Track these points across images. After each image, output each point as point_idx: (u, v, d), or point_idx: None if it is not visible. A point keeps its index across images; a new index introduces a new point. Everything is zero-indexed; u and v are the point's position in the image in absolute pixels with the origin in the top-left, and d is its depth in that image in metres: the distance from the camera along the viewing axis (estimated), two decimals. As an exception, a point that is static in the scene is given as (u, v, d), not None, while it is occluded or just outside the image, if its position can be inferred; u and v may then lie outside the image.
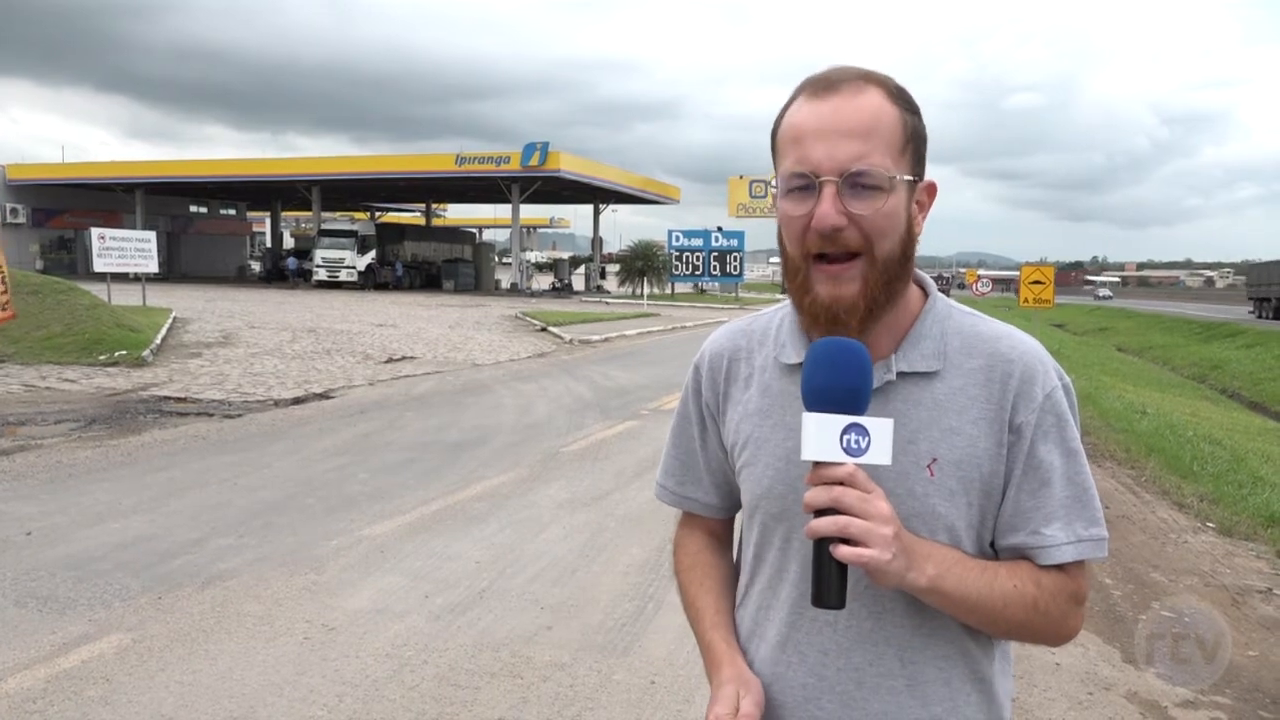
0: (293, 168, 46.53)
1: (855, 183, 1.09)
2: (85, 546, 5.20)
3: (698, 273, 47.50)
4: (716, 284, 50.43)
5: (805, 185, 1.11)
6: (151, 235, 22.80)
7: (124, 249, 21.57)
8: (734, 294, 49.96)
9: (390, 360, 15.01)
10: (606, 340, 20.31)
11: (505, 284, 48.95)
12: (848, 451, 1.05)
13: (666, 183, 55.64)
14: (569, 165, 41.24)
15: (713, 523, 1.42)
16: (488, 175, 42.13)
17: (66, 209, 48.87)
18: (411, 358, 15.50)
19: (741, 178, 60.94)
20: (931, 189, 1.19)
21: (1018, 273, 22.66)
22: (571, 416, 10.09)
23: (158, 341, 15.13)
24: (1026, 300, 19.92)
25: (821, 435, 1.05)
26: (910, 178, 1.14)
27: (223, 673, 3.68)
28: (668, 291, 47.65)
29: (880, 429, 1.06)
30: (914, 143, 1.15)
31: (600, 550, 5.35)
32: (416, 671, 3.73)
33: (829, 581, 1.06)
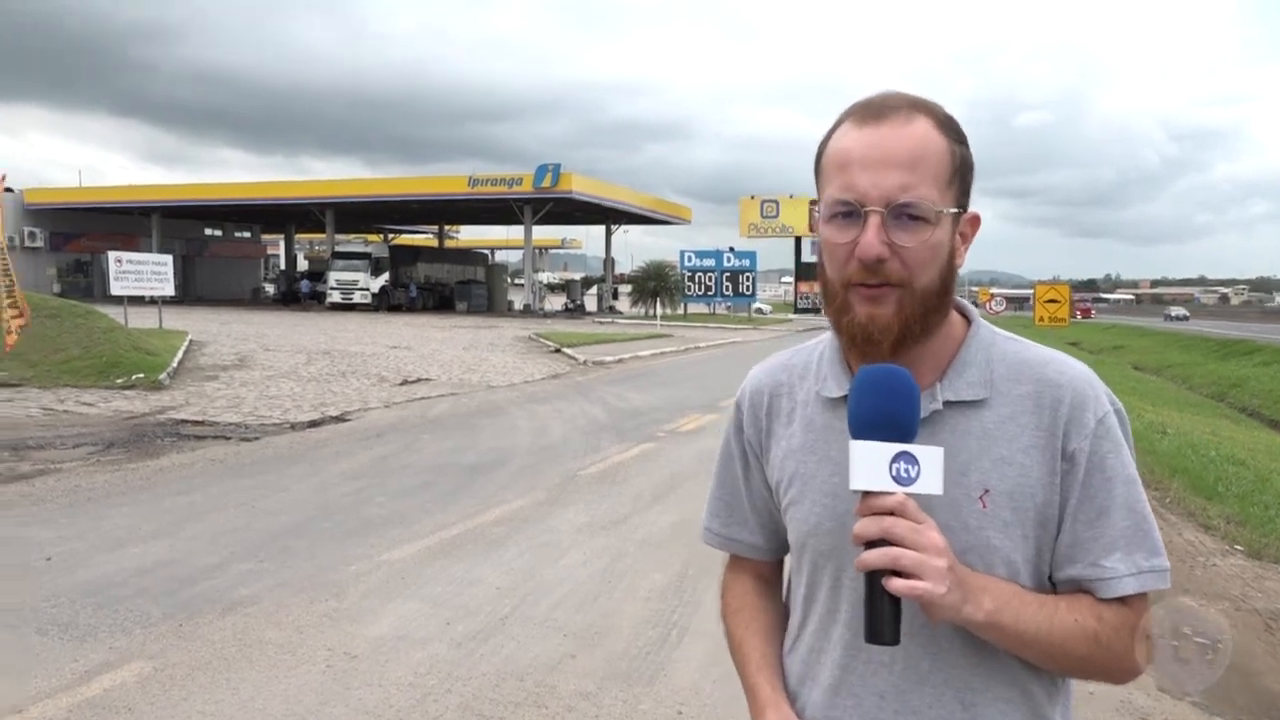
0: (307, 190, 46.87)
1: (901, 214, 1.08)
2: (105, 572, 5.18)
3: (710, 293, 47.54)
4: (729, 304, 50.42)
5: (849, 213, 1.10)
6: (168, 259, 22.99)
7: (141, 272, 21.74)
8: (747, 314, 49.94)
9: (405, 382, 15.03)
10: (620, 361, 20.30)
11: (518, 305, 49.06)
12: (897, 480, 1.02)
13: (677, 203, 55.80)
14: (581, 187, 41.40)
15: (760, 565, 1.38)
16: (500, 197, 42.33)
17: (83, 233, 49.30)
18: (427, 380, 15.51)
19: (752, 198, 61.12)
20: (975, 220, 1.17)
21: (1030, 291, 22.58)
22: (587, 439, 10.05)
23: (174, 365, 15.19)
24: (1042, 319, 19.83)
25: (870, 464, 1.03)
26: (955, 209, 1.12)
27: (245, 702, 3.65)
28: (680, 312, 47.68)
29: (930, 457, 1.03)
30: (961, 174, 1.13)
31: (621, 576, 5.31)
32: (440, 701, 3.69)
33: (882, 616, 1.03)
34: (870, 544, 1.02)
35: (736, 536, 1.36)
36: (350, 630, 4.41)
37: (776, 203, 60.21)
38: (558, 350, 22.28)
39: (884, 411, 1.04)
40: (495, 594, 4.95)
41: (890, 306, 1.10)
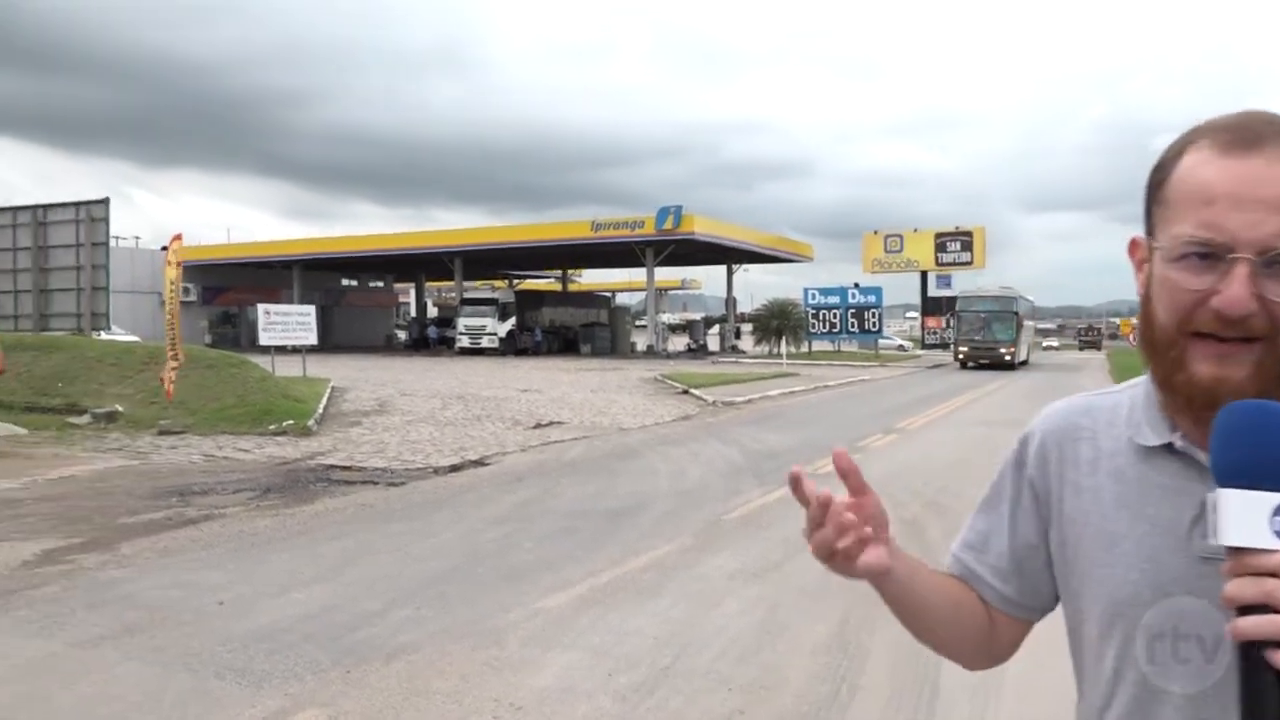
0: (436, 240, 48.55)
1: (1274, 261, 0.94)
2: (273, 618, 5.32)
3: (835, 330, 46.86)
4: (855, 341, 49.57)
5: (1207, 255, 0.96)
6: (311, 309, 24.08)
7: (287, 323, 22.82)
8: (874, 350, 48.97)
9: (539, 426, 15.21)
10: (750, 402, 20.09)
11: (640, 346, 49.37)
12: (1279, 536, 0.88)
13: (798, 240, 55.40)
14: (703, 228, 41.57)
15: (998, 615, 1.23)
16: (623, 240, 42.88)
17: (231, 286, 52.31)
18: (559, 423, 15.66)
19: (876, 233, 60.19)
20: None
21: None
22: (727, 482, 9.92)
23: (320, 411, 15.78)
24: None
25: (1245, 516, 0.88)
26: None
27: (418, 753, 3.64)
28: (804, 350, 47.09)
29: None
30: None
31: (783, 627, 5.14)
32: (611, 757, 3.60)
33: (1263, 696, 0.88)
34: (1244, 609, 0.88)
35: (983, 576, 1.22)
36: (514, 680, 4.38)
37: (900, 237, 59.11)
38: (686, 391, 22.23)
39: (1265, 456, 0.90)
40: (654, 644, 4.85)
41: (1245, 368, 0.96)
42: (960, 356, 37.94)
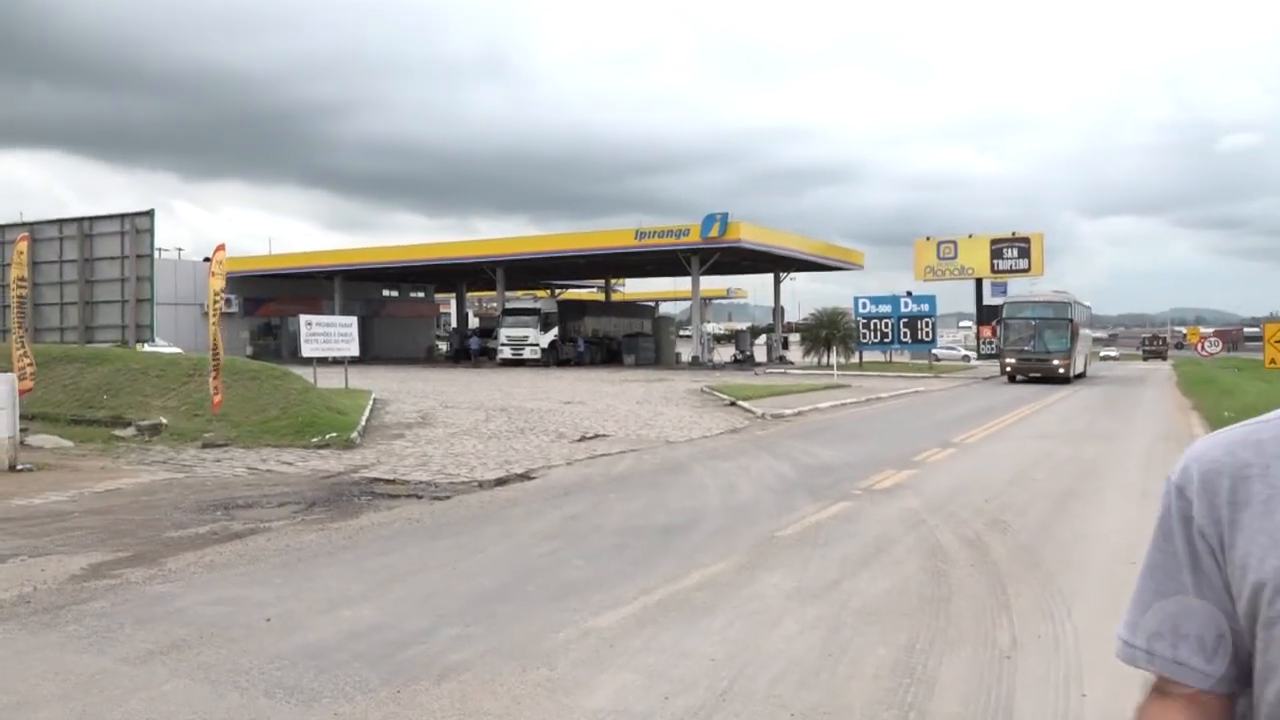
0: (477, 250, 48.99)
1: None
2: (321, 635, 5.35)
3: (886, 340, 46.39)
4: (907, 351, 49.06)
5: None
6: (353, 321, 24.37)
7: (329, 334, 23.12)
8: (927, 361, 48.43)
9: (584, 438, 15.21)
10: (800, 414, 19.94)
11: (685, 357, 49.30)
12: None
13: (848, 247, 55.02)
14: (750, 235, 41.47)
15: (1207, 699, 1.11)
16: (667, 248, 42.91)
17: (273, 297, 53.17)
18: (604, 436, 15.66)
19: (928, 239, 59.55)
20: None
21: (1245, 328, 20.88)
22: (779, 498, 9.83)
23: (362, 423, 15.94)
24: (1274, 361, 18.28)
25: None
26: None
27: (472, 777, 3.62)
28: (854, 360, 46.70)
29: None
30: None
31: (843, 650, 5.06)
32: (671, 784, 3.56)
33: None
34: None
35: (1180, 658, 1.11)
36: (567, 702, 4.35)
37: (954, 244, 58.42)
38: (733, 403, 22.13)
39: None
40: (711, 666, 4.80)
41: None
42: (1008, 369, 35.00)
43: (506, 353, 44.83)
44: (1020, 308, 36.33)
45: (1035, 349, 34.70)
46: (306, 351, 22.72)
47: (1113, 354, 78.51)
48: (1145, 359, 74.81)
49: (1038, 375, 33.99)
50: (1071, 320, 35.12)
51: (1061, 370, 34.06)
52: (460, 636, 5.30)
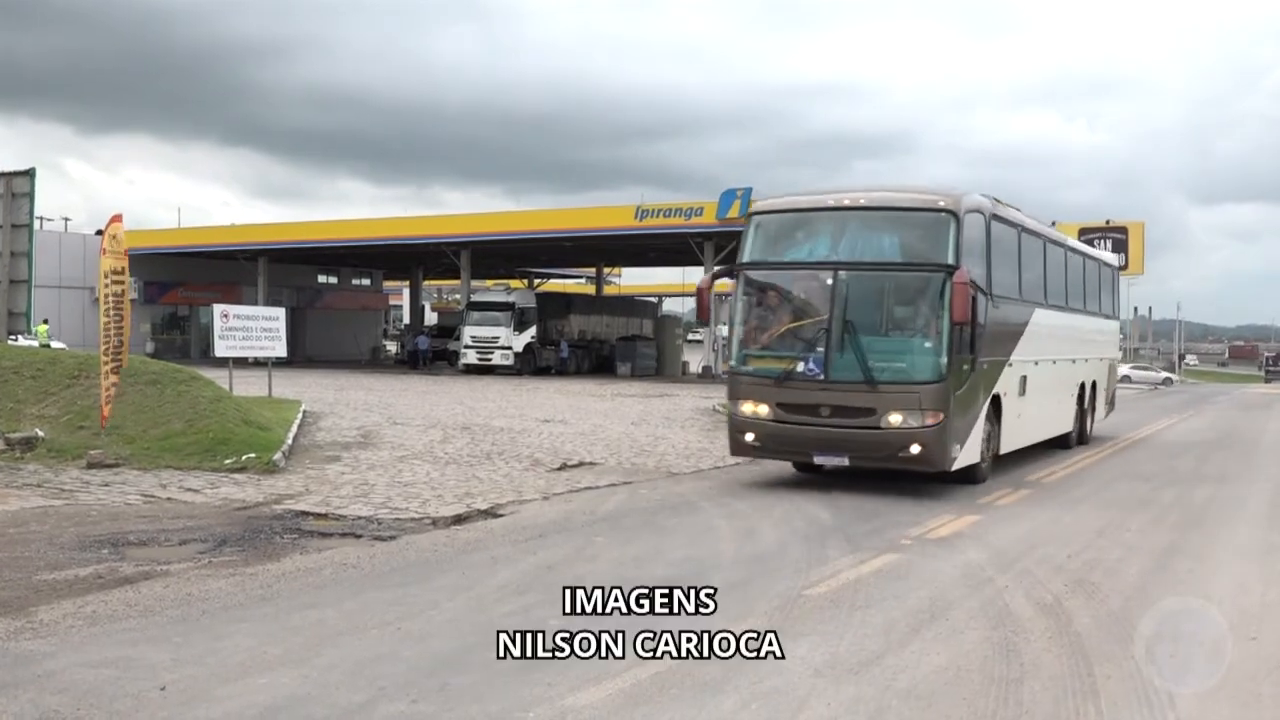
0: (438, 228, 49.07)
1: None
2: (228, 709, 5.31)
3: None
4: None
5: None
6: (280, 313, 24.41)
7: (249, 329, 23.11)
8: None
9: (565, 467, 15.21)
10: (836, 441, 19.90)
11: (694, 367, 49.33)
12: None
13: (901, 235, 55.07)
14: (778, 216, 41.46)
15: None
16: (675, 231, 42.95)
17: (180, 282, 53.23)
18: (591, 464, 15.66)
19: (1000, 226, 59.56)
20: None
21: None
22: (808, 546, 9.80)
23: (289, 442, 15.93)
24: None
25: None
26: None
27: None
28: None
29: None
30: None
31: (886, 741, 5.03)
32: None
33: None
34: None
35: None
36: (537, 802, 4.31)
37: (1032, 232, 58.53)
38: (753, 426, 22.10)
39: None
40: (719, 760, 4.77)
41: None
42: None
43: (471, 357, 44.85)
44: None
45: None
46: (221, 350, 22.68)
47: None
48: (1268, 380, 74.80)
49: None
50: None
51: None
52: (404, 715, 5.27)
